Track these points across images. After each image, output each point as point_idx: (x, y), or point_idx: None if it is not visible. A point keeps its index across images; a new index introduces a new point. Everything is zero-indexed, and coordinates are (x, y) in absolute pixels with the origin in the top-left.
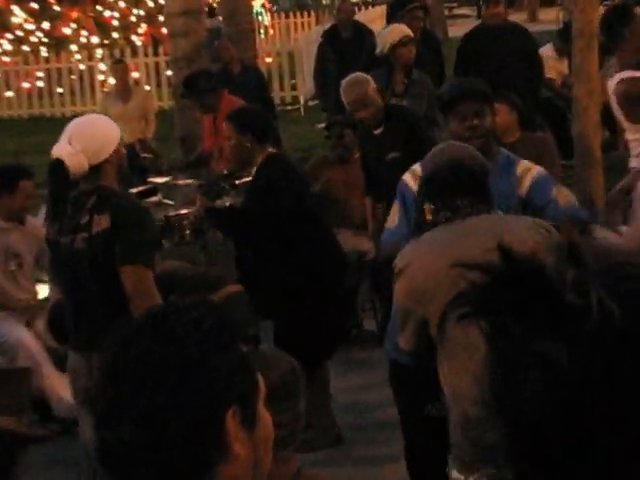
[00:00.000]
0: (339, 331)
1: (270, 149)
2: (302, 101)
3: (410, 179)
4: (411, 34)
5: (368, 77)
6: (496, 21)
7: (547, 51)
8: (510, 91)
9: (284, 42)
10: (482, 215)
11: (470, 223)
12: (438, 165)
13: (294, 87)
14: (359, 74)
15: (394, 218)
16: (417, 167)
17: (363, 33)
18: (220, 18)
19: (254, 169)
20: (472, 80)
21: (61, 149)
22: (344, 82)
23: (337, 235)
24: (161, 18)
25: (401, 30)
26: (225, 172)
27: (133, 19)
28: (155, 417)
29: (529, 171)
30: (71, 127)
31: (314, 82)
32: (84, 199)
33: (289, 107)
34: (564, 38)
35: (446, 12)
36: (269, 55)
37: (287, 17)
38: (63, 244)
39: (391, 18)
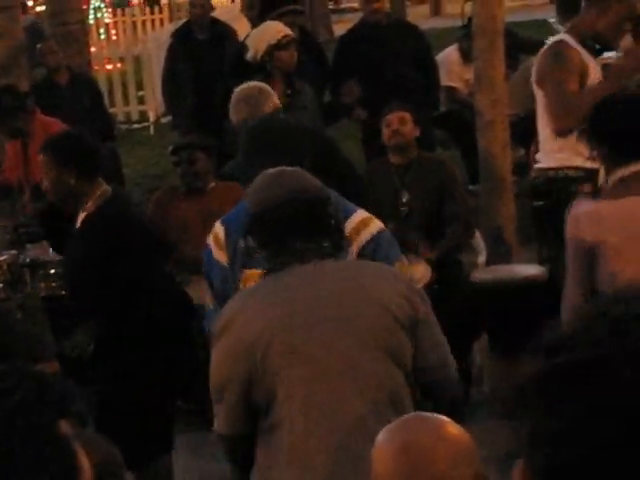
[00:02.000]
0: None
1: (104, 185)
2: (152, 118)
3: (213, 244)
4: (291, 33)
5: (268, 90)
6: (378, 18)
7: (451, 54)
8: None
9: (130, 44)
10: (328, 260)
11: (314, 268)
12: (271, 199)
13: (142, 100)
14: (257, 85)
15: (209, 297)
16: (219, 227)
17: (223, 33)
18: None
19: (82, 211)
20: None
21: None
22: (235, 93)
23: (190, 285)
24: None
25: (279, 29)
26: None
27: None
28: None
29: (366, 226)
30: None
31: (162, 94)
32: None
33: (136, 125)
34: (470, 38)
35: (331, 5)
36: (110, 61)
37: (133, 13)
38: None
39: (258, 20)
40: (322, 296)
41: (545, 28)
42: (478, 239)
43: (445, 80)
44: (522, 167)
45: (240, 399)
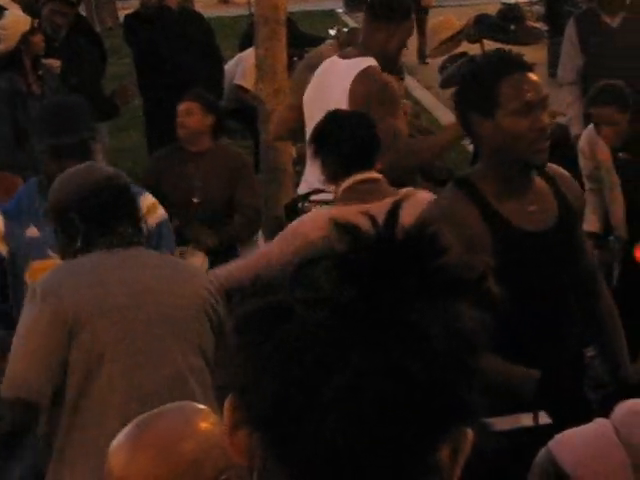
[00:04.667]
0: None
1: None
2: None
3: None
4: (36, 18)
5: None
6: (155, 4)
7: (251, 55)
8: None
9: None
10: (141, 248)
11: (131, 253)
12: (88, 185)
13: None
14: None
15: None
16: None
17: None
18: None
19: None
20: None
21: None
22: None
23: None
24: None
25: (25, 15)
26: None
27: None
28: None
29: (154, 211)
30: None
31: None
32: None
33: None
34: None
35: None
36: None
37: None
38: None
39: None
40: (141, 281)
41: (332, 18)
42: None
43: (238, 79)
44: (304, 157)
45: (48, 364)
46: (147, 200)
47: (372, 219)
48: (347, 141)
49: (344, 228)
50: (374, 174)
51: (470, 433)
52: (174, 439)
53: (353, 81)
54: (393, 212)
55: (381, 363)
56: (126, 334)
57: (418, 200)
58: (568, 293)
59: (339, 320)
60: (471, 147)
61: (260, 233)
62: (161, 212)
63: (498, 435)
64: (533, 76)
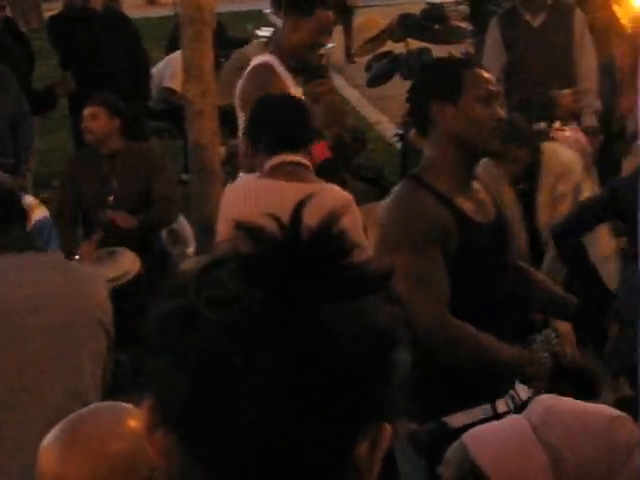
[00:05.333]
0: None
1: None
2: None
3: None
4: None
5: None
6: (79, 5)
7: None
8: (112, 93)
9: None
10: (33, 252)
11: (21, 258)
12: None
13: None
14: None
15: None
16: None
17: None
18: None
19: None
20: None
21: None
22: None
23: None
24: None
25: None
26: None
27: None
28: None
29: (36, 210)
30: None
31: None
32: None
33: None
34: None
35: None
36: None
37: None
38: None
39: None
40: (39, 284)
41: (260, 19)
42: (187, 230)
43: (167, 81)
44: (234, 157)
45: None
46: (28, 200)
47: (277, 219)
48: (275, 121)
49: (247, 230)
50: (302, 159)
51: (388, 428)
52: (106, 438)
53: (244, 78)
54: (297, 212)
55: (291, 363)
56: (15, 339)
57: (330, 195)
58: (508, 283)
59: (247, 320)
60: (399, 145)
61: (189, 235)
62: (43, 211)
63: (457, 432)
64: (487, 73)
